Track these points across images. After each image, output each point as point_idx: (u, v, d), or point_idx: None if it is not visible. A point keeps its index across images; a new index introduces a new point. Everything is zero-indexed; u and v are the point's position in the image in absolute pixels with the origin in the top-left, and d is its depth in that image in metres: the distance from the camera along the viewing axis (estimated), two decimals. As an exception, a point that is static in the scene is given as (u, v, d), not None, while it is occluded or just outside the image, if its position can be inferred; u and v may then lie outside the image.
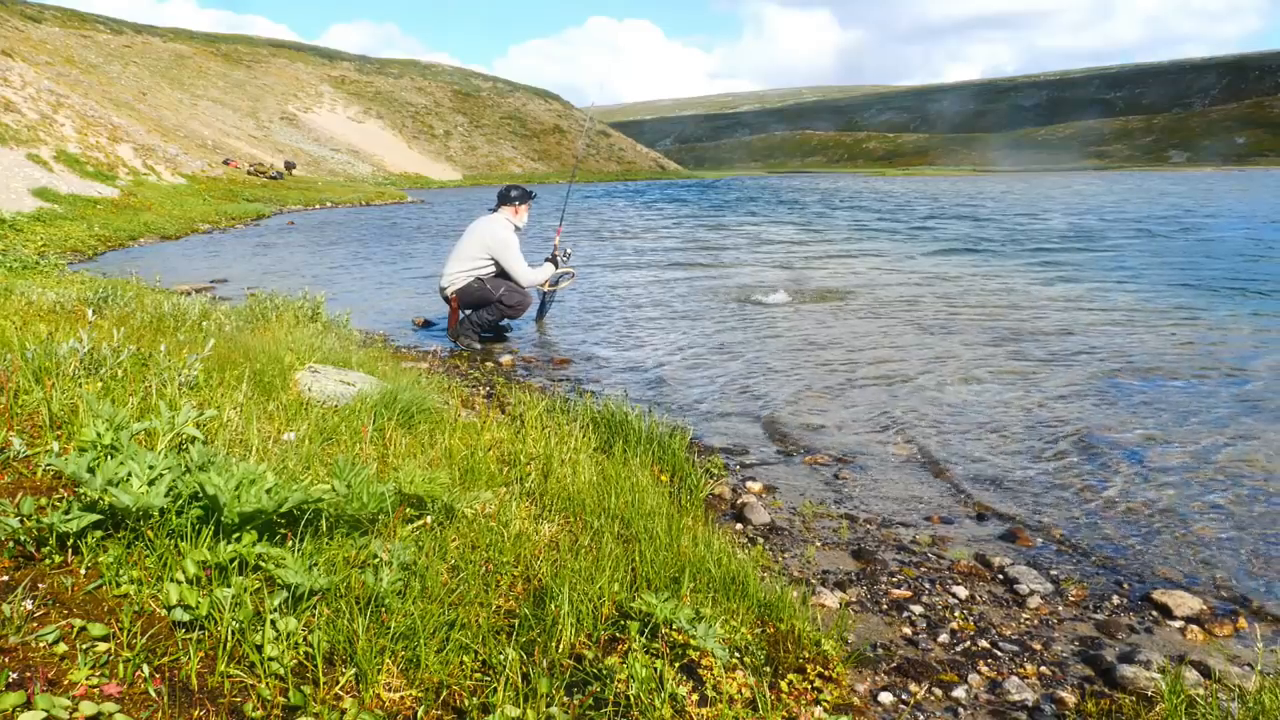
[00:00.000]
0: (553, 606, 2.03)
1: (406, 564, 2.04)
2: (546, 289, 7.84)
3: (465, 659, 1.82)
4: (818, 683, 2.06)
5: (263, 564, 1.89)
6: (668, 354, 6.66)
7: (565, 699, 1.79)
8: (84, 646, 1.59)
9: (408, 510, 2.40)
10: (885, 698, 2.22)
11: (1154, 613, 2.74)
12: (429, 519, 2.41)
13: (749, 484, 3.85)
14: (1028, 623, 2.67)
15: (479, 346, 7.08)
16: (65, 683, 1.48)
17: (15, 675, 1.47)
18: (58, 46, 57.68)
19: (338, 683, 1.67)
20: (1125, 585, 2.93)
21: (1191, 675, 2.31)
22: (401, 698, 1.68)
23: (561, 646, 1.93)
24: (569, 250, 7.95)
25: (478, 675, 1.81)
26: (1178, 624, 2.67)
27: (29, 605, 1.66)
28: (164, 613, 1.74)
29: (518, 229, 7.45)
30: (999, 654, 2.47)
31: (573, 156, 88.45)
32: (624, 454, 3.62)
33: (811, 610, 2.50)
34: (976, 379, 5.69)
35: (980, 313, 8.25)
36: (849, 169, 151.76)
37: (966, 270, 11.73)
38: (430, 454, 3.13)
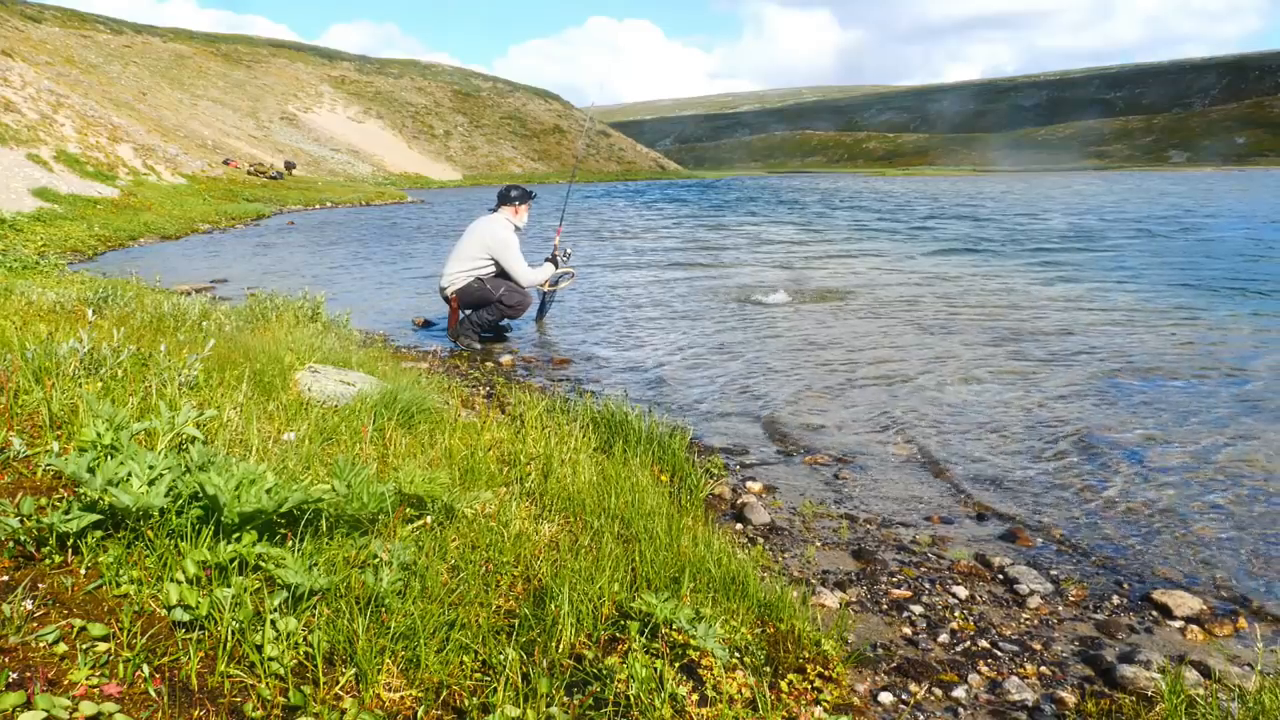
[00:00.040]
0: (553, 606, 2.03)
1: (406, 564, 2.04)
2: (546, 289, 7.84)
3: (465, 659, 1.82)
4: (818, 683, 2.06)
5: (263, 564, 1.90)
6: (668, 354, 6.66)
7: (565, 699, 1.79)
8: (84, 646, 1.59)
9: (408, 510, 2.40)
10: (885, 698, 2.22)
11: (1154, 613, 2.74)
12: (429, 519, 2.41)
13: (749, 484, 3.85)
14: (1028, 623, 2.67)
15: (479, 346, 7.08)
16: (65, 683, 1.48)
17: (15, 675, 1.47)
18: (58, 46, 57.68)
19: (338, 683, 1.67)
20: (1125, 585, 2.93)
21: (1191, 675, 2.31)
22: (401, 698, 1.68)
23: (561, 646, 1.93)
24: (569, 250, 7.95)
25: (478, 675, 1.81)
26: (1178, 624, 2.67)
27: (29, 605, 1.66)
28: (164, 613, 1.74)
29: (518, 229, 7.45)
30: (999, 654, 2.47)
31: (573, 156, 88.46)
32: (624, 454, 3.62)
33: (811, 610, 2.50)
34: (976, 379, 5.69)
35: (980, 313, 8.25)
36: (849, 169, 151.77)
37: (966, 270, 11.73)
38: (430, 454, 3.13)
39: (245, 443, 2.69)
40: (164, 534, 1.92)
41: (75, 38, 66.15)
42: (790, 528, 3.40)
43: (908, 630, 2.61)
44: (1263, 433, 4.47)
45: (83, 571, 1.81)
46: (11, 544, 1.83)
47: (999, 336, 7.07)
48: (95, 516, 1.87)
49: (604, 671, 1.86)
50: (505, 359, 6.50)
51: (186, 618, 1.72)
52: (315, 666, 1.69)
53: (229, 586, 1.79)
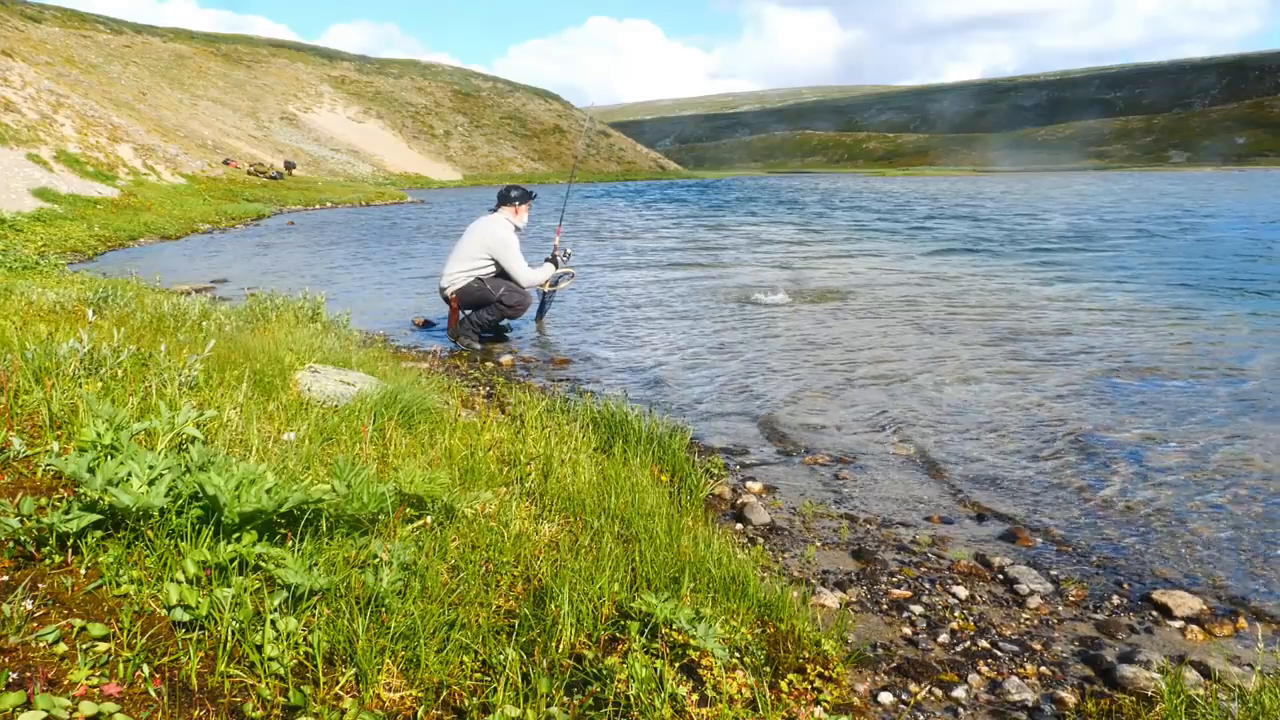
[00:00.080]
0: (553, 606, 2.03)
1: (406, 564, 2.04)
2: (546, 289, 7.85)
3: (465, 659, 1.82)
4: (818, 683, 2.06)
5: (263, 564, 1.90)
6: (667, 354, 6.66)
7: (565, 699, 1.79)
8: (84, 646, 1.59)
9: (408, 510, 2.40)
10: (885, 698, 2.22)
11: (1154, 613, 2.74)
12: (429, 519, 2.41)
13: (749, 484, 3.85)
14: (1028, 623, 2.67)
15: (479, 346, 7.08)
16: (65, 683, 1.48)
17: (15, 675, 1.47)
18: (58, 46, 57.68)
19: (338, 683, 1.67)
20: (1125, 585, 2.93)
21: (1191, 675, 2.31)
22: (401, 698, 1.68)
23: (561, 646, 1.93)
24: (569, 250, 7.95)
25: (478, 675, 1.81)
26: (1178, 624, 2.67)
27: (29, 605, 1.66)
28: (164, 613, 1.74)
29: (518, 229, 7.45)
30: (999, 654, 2.48)
31: (573, 156, 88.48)
32: (624, 454, 3.62)
33: (811, 610, 2.50)
34: (976, 379, 5.69)
35: (980, 312, 8.25)
36: (849, 169, 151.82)
37: (966, 270, 11.74)
38: (430, 454, 3.13)
39: (245, 443, 2.69)
40: (164, 534, 1.92)
41: (75, 38, 66.15)
42: (790, 528, 3.40)
43: (908, 630, 2.61)
44: (1261, 432, 4.47)
45: (83, 571, 1.81)
46: (11, 544, 1.83)
47: (998, 336, 7.07)
48: (95, 516, 1.87)
49: (604, 671, 1.86)
50: (505, 359, 6.50)
51: (186, 618, 1.72)
52: (315, 666, 1.69)
53: (229, 586, 1.79)
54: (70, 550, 1.87)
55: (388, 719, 1.63)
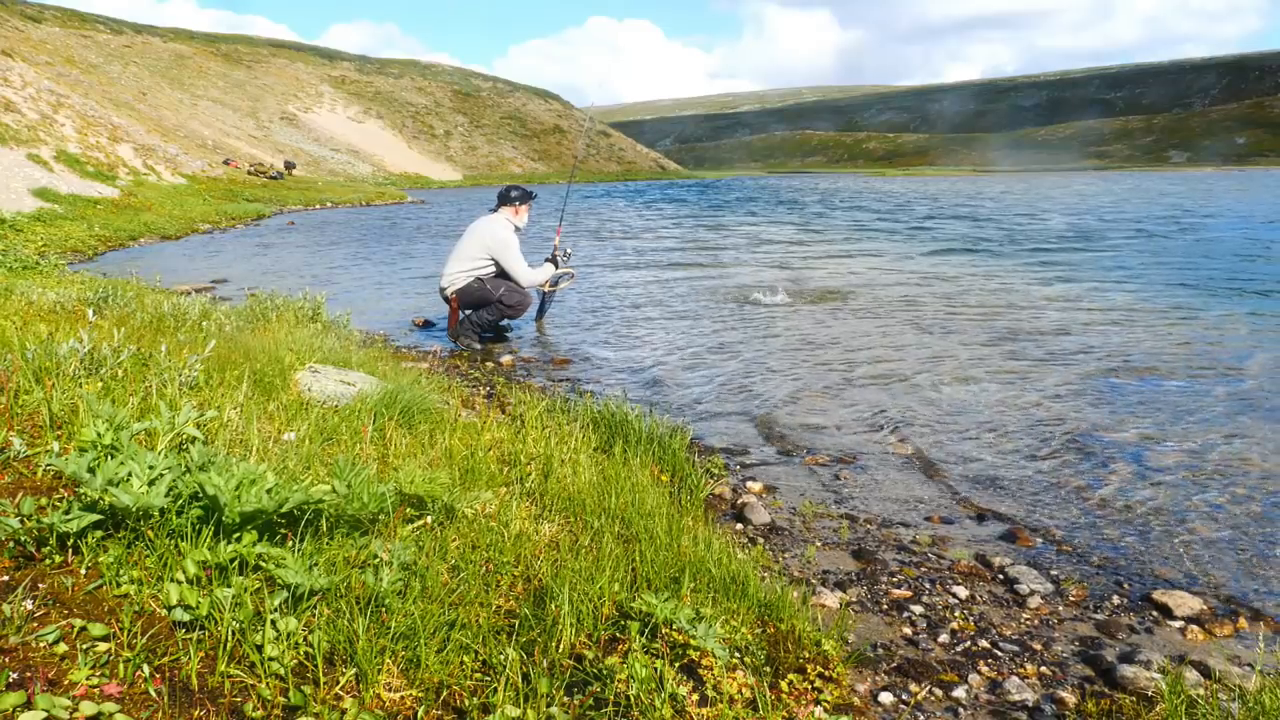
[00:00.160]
0: (553, 606, 2.03)
1: (407, 564, 2.04)
2: (546, 289, 7.85)
3: (465, 659, 1.82)
4: (818, 683, 2.06)
5: (263, 564, 1.90)
6: (667, 354, 6.66)
7: (565, 699, 1.80)
8: (84, 646, 1.59)
9: (408, 510, 2.40)
10: (885, 698, 2.22)
11: (1154, 613, 2.74)
12: (429, 519, 2.41)
13: (749, 484, 3.85)
14: (1028, 623, 2.67)
15: (479, 346, 7.08)
16: (65, 683, 1.48)
17: (15, 675, 1.47)
18: (58, 46, 57.67)
19: (338, 683, 1.67)
20: (1125, 585, 2.93)
21: (1192, 675, 2.31)
22: (402, 698, 1.68)
23: (562, 646, 1.93)
24: (569, 250, 7.96)
25: (478, 675, 1.81)
26: (1178, 624, 2.67)
27: (29, 605, 1.66)
28: (164, 613, 1.74)
29: (518, 229, 7.45)
30: (999, 654, 2.48)
31: (573, 156, 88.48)
32: (624, 454, 3.62)
33: (812, 610, 2.50)
34: (975, 379, 5.69)
35: (979, 312, 8.25)
36: (849, 169, 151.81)
37: (965, 270, 11.74)
38: (430, 454, 3.13)
39: (245, 443, 2.69)
40: (164, 534, 1.92)
41: (75, 38, 66.14)
42: (790, 528, 3.40)
43: (908, 630, 2.61)
44: (1260, 431, 4.48)
45: (83, 571, 1.81)
46: (12, 544, 1.83)
47: (998, 336, 7.07)
48: (95, 516, 1.87)
49: (604, 671, 1.86)
50: (505, 359, 6.51)
51: (187, 618, 1.72)
52: (315, 666, 1.69)
53: (229, 586, 1.79)
54: (70, 550, 1.87)
55: (388, 719, 1.63)
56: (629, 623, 2.03)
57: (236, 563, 1.89)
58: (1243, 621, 2.68)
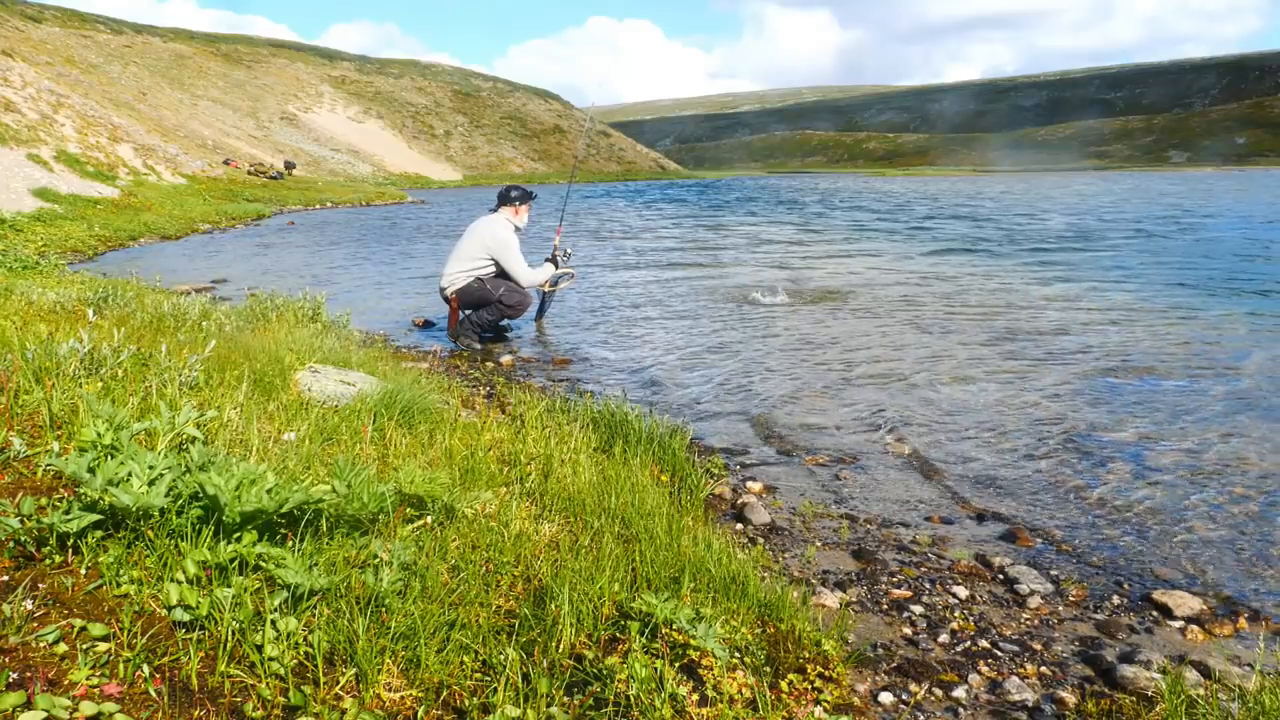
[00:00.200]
0: (553, 606, 2.03)
1: (407, 564, 2.04)
2: (546, 289, 7.85)
3: (465, 659, 1.82)
4: (818, 683, 2.06)
5: (263, 564, 1.90)
6: (667, 353, 6.66)
7: (565, 699, 1.80)
8: (84, 646, 1.59)
9: (408, 510, 2.40)
10: (885, 698, 2.22)
11: (1154, 613, 2.74)
12: (429, 519, 2.41)
13: (749, 484, 3.85)
14: (1028, 623, 2.67)
15: (479, 346, 7.08)
16: (65, 683, 1.48)
17: (15, 675, 1.47)
18: (58, 46, 57.66)
19: (338, 683, 1.67)
20: (1125, 585, 2.93)
21: (1192, 675, 2.31)
22: (402, 698, 1.68)
23: (562, 646, 1.93)
24: (569, 250, 7.96)
25: (478, 675, 1.81)
26: (1178, 624, 2.67)
27: (29, 605, 1.66)
28: (164, 613, 1.74)
29: (518, 229, 7.45)
30: (999, 654, 2.48)
31: (573, 156, 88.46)
32: (624, 454, 3.62)
33: (812, 610, 2.50)
34: (974, 378, 5.69)
35: (979, 312, 8.25)
36: (849, 169, 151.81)
37: (965, 270, 11.74)
38: (430, 454, 3.13)
39: (245, 443, 2.69)
40: (164, 534, 1.92)
41: (75, 38, 66.13)
42: (790, 528, 3.40)
43: (908, 630, 2.61)
44: (1258, 430, 4.48)
45: (83, 571, 1.81)
46: (12, 544, 1.83)
47: (997, 336, 7.07)
48: (95, 516, 1.87)
49: (604, 671, 1.86)
50: (505, 359, 6.51)
51: (187, 618, 1.72)
52: (315, 666, 1.69)
53: (229, 586, 1.79)
54: (70, 550, 1.87)
55: (388, 719, 1.63)
56: (629, 623, 2.03)
57: (236, 563, 1.89)
58: (1242, 621, 2.68)
